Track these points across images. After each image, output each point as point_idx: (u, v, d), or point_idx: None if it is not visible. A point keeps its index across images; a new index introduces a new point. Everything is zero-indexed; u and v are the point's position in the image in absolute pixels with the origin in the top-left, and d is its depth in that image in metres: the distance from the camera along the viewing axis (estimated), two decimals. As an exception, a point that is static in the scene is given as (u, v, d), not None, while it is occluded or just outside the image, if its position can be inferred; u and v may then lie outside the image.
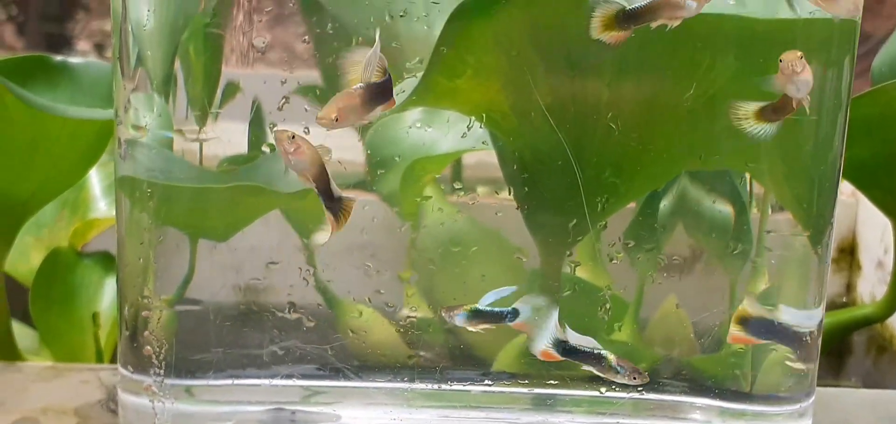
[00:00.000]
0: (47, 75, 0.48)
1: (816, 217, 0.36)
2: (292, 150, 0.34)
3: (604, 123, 0.36)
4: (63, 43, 2.26)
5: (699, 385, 0.38)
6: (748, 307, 0.36)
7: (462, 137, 0.38)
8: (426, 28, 0.37)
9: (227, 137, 0.39)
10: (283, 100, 0.37)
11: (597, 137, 0.36)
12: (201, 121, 0.39)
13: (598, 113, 0.36)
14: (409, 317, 0.39)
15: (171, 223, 0.38)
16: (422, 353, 0.39)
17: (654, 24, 0.33)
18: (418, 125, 0.40)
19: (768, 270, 0.38)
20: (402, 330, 0.39)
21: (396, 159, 0.40)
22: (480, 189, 0.61)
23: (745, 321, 0.36)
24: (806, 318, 0.37)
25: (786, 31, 0.35)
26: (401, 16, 0.37)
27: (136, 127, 0.38)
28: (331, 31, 0.37)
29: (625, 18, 0.33)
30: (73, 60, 0.49)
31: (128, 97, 0.38)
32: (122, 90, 0.38)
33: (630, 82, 0.36)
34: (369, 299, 0.39)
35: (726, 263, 0.39)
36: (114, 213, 0.50)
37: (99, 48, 2.31)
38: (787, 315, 0.37)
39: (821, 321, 0.38)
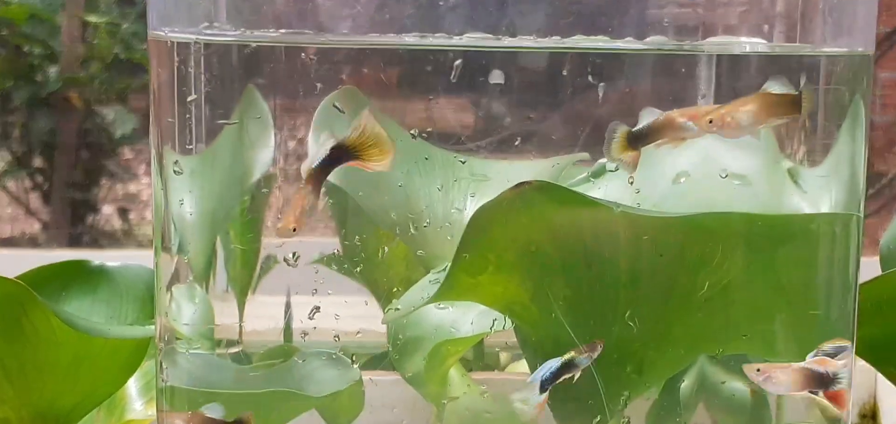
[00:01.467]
0: (86, 280, 0.50)
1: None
2: None
3: (622, 319, 0.37)
4: (88, 208, 2.31)
5: None
6: None
7: (491, 329, 0.39)
8: (450, 237, 0.39)
9: (264, 310, 0.40)
10: (314, 310, 0.38)
11: (616, 332, 0.37)
12: (241, 298, 0.41)
13: (616, 308, 0.37)
14: None
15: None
16: None
17: (658, 144, 0.34)
18: (440, 305, 0.42)
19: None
20: None
21: (422, 340, 0.41)
22: (503, 356, 0.62)
23: None
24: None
25: (788, 225, 0.37)
26: (425, 226, 0.38)
27: (178, 337, 0.39)
28: (358, 242, 0.40)
29: (633, 139, 0.34)
30: (111, 264, 0.51)
31: (169, 292, 0.39)
32: (163, 295, 0.39)
33: (646, 277, 0.37)
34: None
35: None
36: (149, 413, 0.52)
37: (122, 212, 2.35)
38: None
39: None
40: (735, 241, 0.37)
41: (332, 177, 0.41)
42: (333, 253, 0.41)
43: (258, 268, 0.41)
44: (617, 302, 0.37)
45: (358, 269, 0.40)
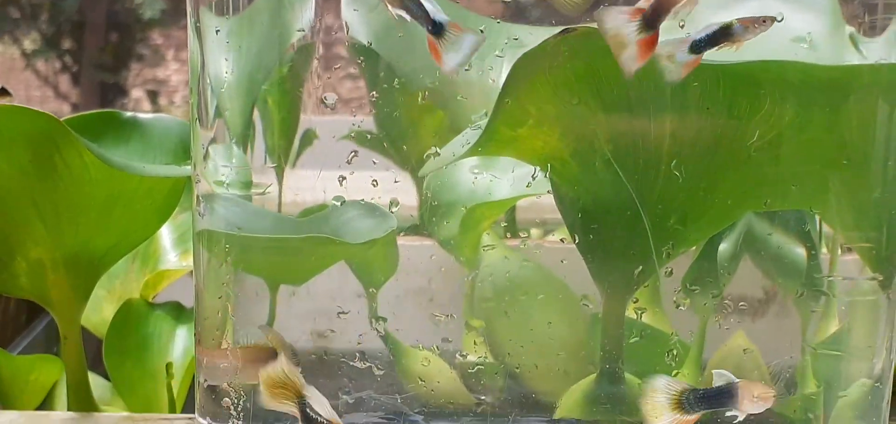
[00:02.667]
0: (118, 131, 0.49)
1: (886, 261, 0.36)
2: None
3: (667, 170, 0.36)
4: (117, 91, 2.31)
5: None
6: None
7: (527, 186, 0.39)
8: (491, 81, 0.37)
9: (304, 183, 0.40)
10: (353, 154, 0.38)
11: (660, 184, 0.36)
12: (280, 169, 0.40)
13: (660, 160, 0.36)
14: (473, 363, 0.39)
15: (249, 271, 0.39)
16: (485, 398, 0.39)
17: None
18: (476, 170, 0.41)
19: (838, 313, 0.38)
20: (467, 376, 0.39)
21: (456, 204, 0.41)
22: (534, 231, 0.62)
23: None
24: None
25: (847, 76, 0.35)
26: (466, 69, 0.37)
27: (216, 182, 0.39)
28: (397, 85, 0.39)
29: None
30: (142, 115, 0.50)
31: (206, 149, 0.39)
32: (200, 143, 0.39)
33: (692, 128, 0.36)
34: (437, 347, 0.39)
35: (795, 304, 0.39)
36: (184, 264, 0.52)
37: (152, 96, 2.35)
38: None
39: (891, 365, 0.37)
40: (788, 92, 0.35)
41: (368, 39, 0.40)
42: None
43: (297, 140, 0.40)
44: (661, 155, 0.36)
45: (389, 137, 0.39)
